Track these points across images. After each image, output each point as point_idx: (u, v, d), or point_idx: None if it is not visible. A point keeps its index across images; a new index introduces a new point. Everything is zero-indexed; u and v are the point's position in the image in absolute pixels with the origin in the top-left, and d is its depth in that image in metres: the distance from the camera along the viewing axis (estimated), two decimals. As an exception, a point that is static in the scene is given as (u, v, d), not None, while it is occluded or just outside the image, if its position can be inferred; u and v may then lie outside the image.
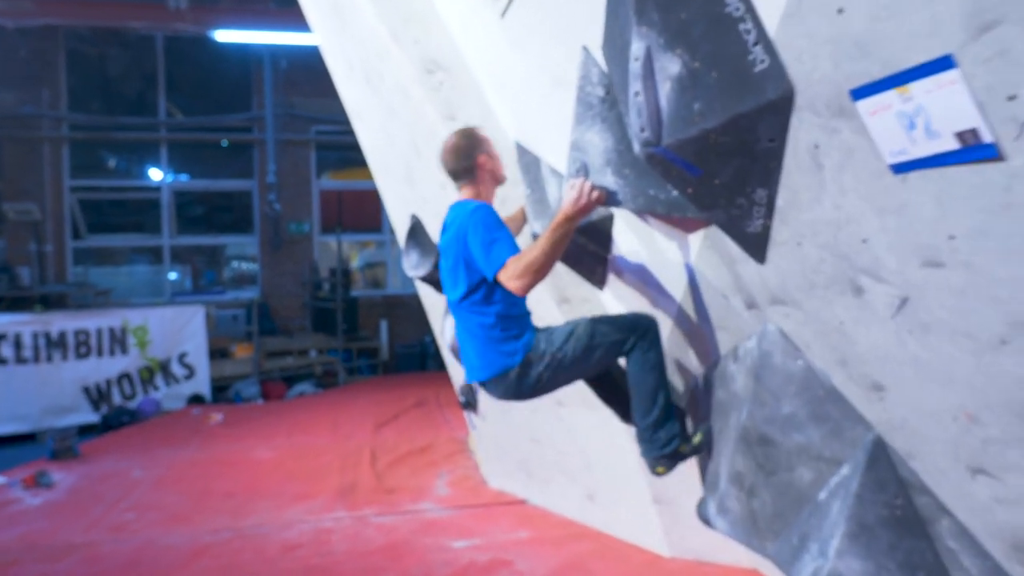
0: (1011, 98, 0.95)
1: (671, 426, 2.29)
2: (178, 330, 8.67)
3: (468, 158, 2.39)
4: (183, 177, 11.64)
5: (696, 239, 1.99)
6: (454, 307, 2.43)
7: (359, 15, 3.43)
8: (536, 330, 2.34)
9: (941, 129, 1.07)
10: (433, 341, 9.54)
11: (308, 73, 10.88)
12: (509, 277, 2.10)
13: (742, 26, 1.31)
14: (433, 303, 4.75)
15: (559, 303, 3.21)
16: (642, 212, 2.00)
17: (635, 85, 1.46)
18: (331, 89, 5.58)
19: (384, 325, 10.93)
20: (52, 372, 7.84)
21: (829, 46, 1.18)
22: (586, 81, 1.97)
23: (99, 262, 11.66)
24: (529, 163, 2.89)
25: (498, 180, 2.50)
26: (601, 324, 2.28)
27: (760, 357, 1.91)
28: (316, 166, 11.31)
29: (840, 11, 1.13)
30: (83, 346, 8.04)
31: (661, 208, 1.87)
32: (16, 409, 7.58)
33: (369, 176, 5.41)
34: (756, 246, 1.68)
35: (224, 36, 8.14)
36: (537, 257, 2.05)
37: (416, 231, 4.31)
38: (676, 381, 2.66)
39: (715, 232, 1.84)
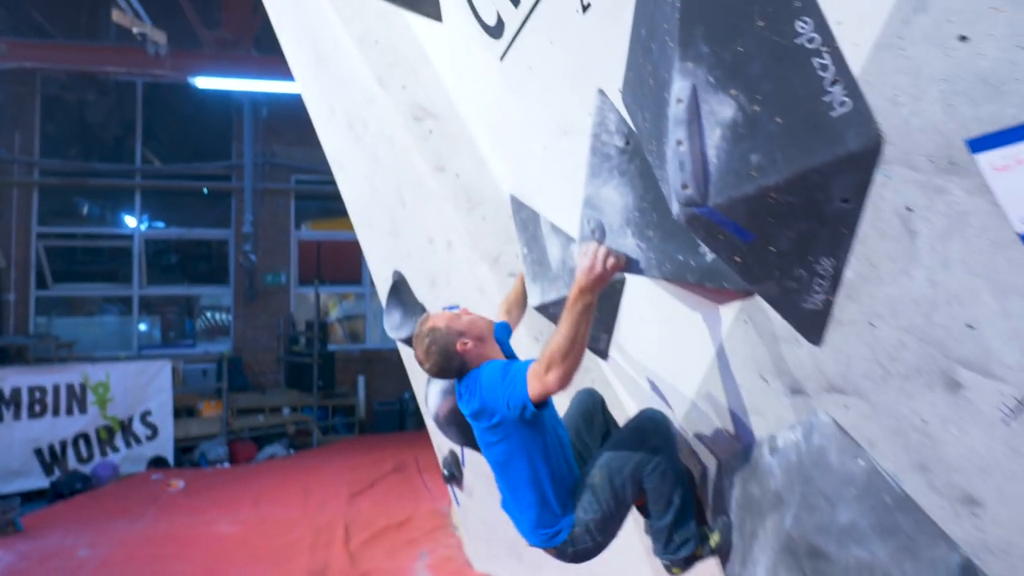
0: None
1: (687, 528, 2.05)
2: (142, 386, 8.21)
3: (451, 358, 2.05)
4: (158, 225, 11.30)
5: (729, 311, 1.71)
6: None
7: (343, 59, 3.20)
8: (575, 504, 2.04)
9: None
10: (413, 398, 9.13)
11: (289, 121, 10.69)
12: (539, 378, 1.81)
13: (817, 60, 1.06)
14: (415, 366, 4.42)
15: (557, 372, 2.90)
16: (668, 280, 1.72)
17: (677, 132, 1.20)
18: (313, 138, 5.34)
19: (362, 381, 10.51)
20: (3, 432, 7.32)
21: (942, 84, 0.92)
22: (602, 129, 1.71)
23: (66, 312, 11.18)
24: (526, 219, 2.62)
25: (485, 339, 2.10)
26: (614, 464, 2.01)
27: (809, 452, 1.61)
28: (296, 216, 11.04)
29: (963, 38, 0.87)
30: (38, 404, 7.54)
31: (692, 276, 1.59)
32: (-40, 473, 7.04)
33: (350, 226, 5.14)
34: (812, 325, 1.40)
35: (205, 83, 7.93)
36: (560, 343, 1.78)
37: (399, 288, 4.01)
38: (691, 463, 2.35)
39: (755, 305, 1.56)
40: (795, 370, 1.59)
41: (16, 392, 7.38)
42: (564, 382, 1.83)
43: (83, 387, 7.77)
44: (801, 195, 1.16)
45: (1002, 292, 1.01)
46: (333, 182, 5.17)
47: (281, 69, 7.59)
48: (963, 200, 0.99)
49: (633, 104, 1.53)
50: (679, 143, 1.21)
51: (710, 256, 1.52)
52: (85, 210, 11.51)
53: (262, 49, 7.92)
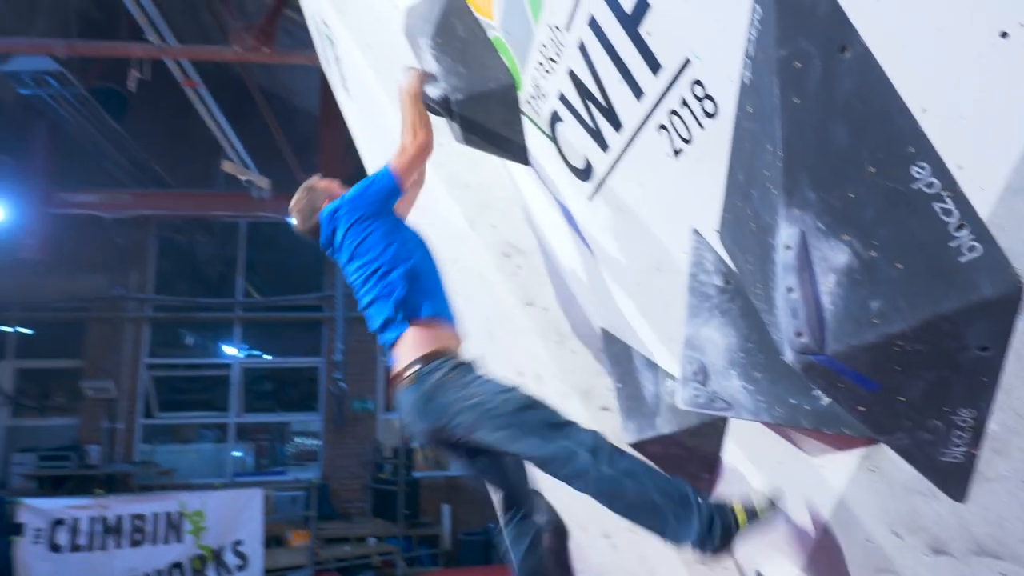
0: None
1: (691, 510, 1.78)
2: (235, 515, 8.28)
3: (312, 216, 2.44)
4: (255, 353, 11.82)
5: (853, 458, 1.57)
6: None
7: (433, 200, 3.36)
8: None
9: None
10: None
11: (379, 253, 11.23)
12: (402, 154, 2.26)
13: (938, 205, 1.01)
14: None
15: (656, 513, 2.74)
16: (781, 424, 1.61)
17: (788, 279, 1.15)
18: None
19: (447, 510, 10.29)
20: (104, 561, 7.47)
21: (1089, 230, 0.85)
22: (699, 269, 1.68)
23: (167, 440, 11.64)
24: (619, 353, 2.57)
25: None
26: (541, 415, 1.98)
27: (963, 625, 1.41)
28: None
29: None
30: (138, 532, 7.70)
31: (807, 422, 1.49)
32: (62, 603, 7.15)
33: None
34: (953, 480, 1.27)
35: (302, 222, 8.47)
36: (410, 125, 2.26)
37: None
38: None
39: (882, 452, 1.43)
40: (935, 527, 1.42)
41: (119, 520, 7.58)
42: (427, 149, 2.29)
43: (180, 515, 7.91)
44: (931, 343, 1.08)
45: None
46: None
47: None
48: None
49: (733, 246, 1.50)
50: (790, 290, 1.16)
51: (826, 399, 1.42)
52: (189, 341, 12.22)
53: (355, 188, 8.45)
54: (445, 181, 3.16)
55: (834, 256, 1.11)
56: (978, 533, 1.32)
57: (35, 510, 7.32)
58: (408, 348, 2.17)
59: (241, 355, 11.47)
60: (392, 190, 2.31)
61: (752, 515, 1.80)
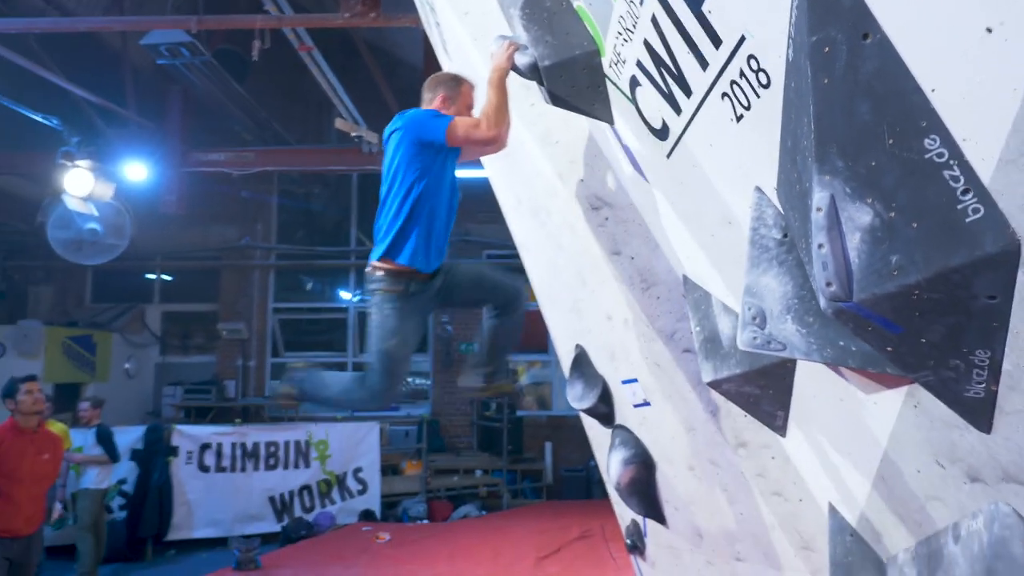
0: None
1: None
2: (355, 445, 9.10)
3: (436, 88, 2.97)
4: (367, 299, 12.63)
5: (898, 396, 1.73)
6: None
7: (526, 156, 3.58)
8: None
9: None
10: (597, 467, 9.23)
11: (480, 202, 11.57)
12: (469, 127, 2.59)
13: (947, 172, 1.15)
14: (596, 435, 4.58)
15: (735, 448, 2.94)
16: (831, 364, 1.78)
17: (819, 237, 1.32)
18: (501, 216, 5.82)
19: (548, 447, 10.78)
20: (245, 481, 8.47)
21: (1066, 196, 0.99)
22: (760, 223, 1.85)
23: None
24: (699, 299, 2.75)
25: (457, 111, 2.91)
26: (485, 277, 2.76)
27: (992, 544, 1.57)
28: (486, 287, 11.80)
29: (1078, 158, 0.95)
30: (272, 458, 8.65)
31: (854, 362, 1.65)
32: (213, 515, 8.21)
33: (535, 299, 5.51)
34: (978, 413, 1.42)
35: (408, 173, 8.90)
36: (495, 107, 2.53)
37: (580, 361, 4.23)
38: (881, 550, 2.28)
39: (922, 390, 1.59)
40: (970, 457, 1.57)
41: (256, 446, 8.54)
42: (494, 142, 2.64)
43: (308, 444, 8.79)
44: (945, 292, 1.23)
45: None
46: (519, 257, 5.62)
47: (476, 160, 8.34)
48: (1105, 301, 1.02)
49: (786, 204, 1.66)
50: (821, 246, 1.33)
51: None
52: (308, 286, 13.18)
53: (458, 140, 8.78)
54: (537, 138, 3.38)
55: (859, 217, 1.28)
56: (1004, 461, 1.46)
57: (187, 435, 8.37)
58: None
59: (356, 299, 12.26)
60: (439, 144, 2.64)
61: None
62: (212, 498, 8.17)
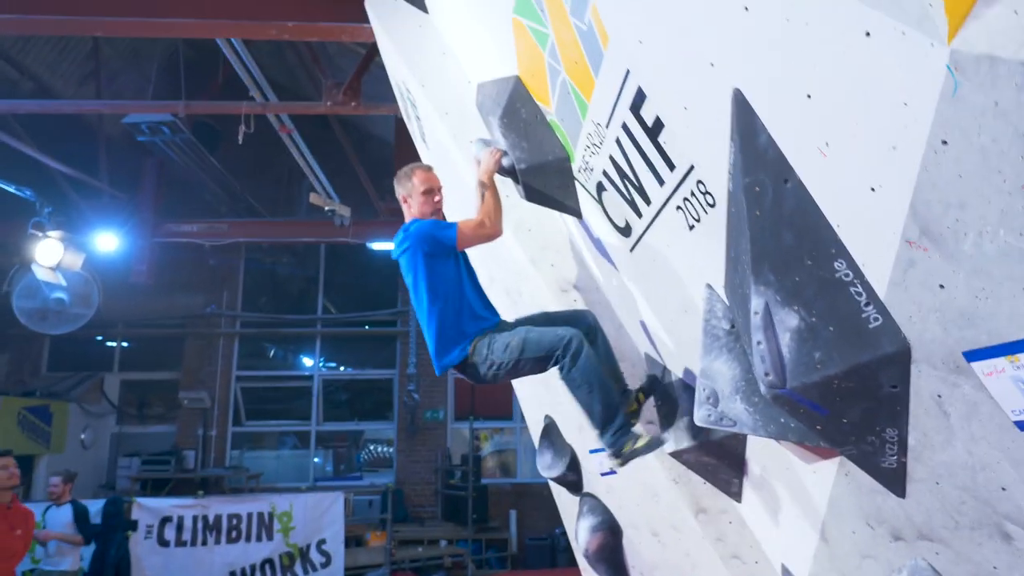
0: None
1: (615, 425, 2.65)
2: (319, 516, 9.01)
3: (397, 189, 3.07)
4: (332, 366, 12.65)
5: (833, 466, 2.01)
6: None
7: (501, 241, 3.88)
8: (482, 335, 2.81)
9: (1058, 396, 1.13)
10: (564, 534, 9.27)
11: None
12: (475, 227, 2.77)
13: (853, 289, 1.46)
14: (565, 502, 4.76)
15: (696, 513, 3.18)
16: (774, 438, 2.06)
17: (756, 335, 1.62)
18: None
19: (513, 515, 10.80)
20: (206, 555, 8.31)
21: (936, 314, 1.30)
22: (711, 315, 2.15)
23: (252, 447, 12.56)
24: (658, 375, 3.04)
25: (425, 213, 3.00)
26: (531, 339, 2.70)
27: (913, 595, 1.83)
28: (451, 355, 11.97)
29: (942, 287, 1.26)
30: (234, 530, 8.51)
31: (793, 436, 1.93)
32: (171, 592, 7.97)
33: None
34: (893, 481, 1.70)
35: (379, 246, 9.17)
36: (490, 209, 2.77)
37: (550, 431, 4.45)
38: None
39: (850, 462, 1.87)
40: (892, 519, 1.85)
41: (218, 519, 8.40)
42: (493, 236, 2.83)
43: (271, 516, 8.68)
44: (857, 382, 1.53)
45: (1017, 464, 1.31)
46: None
47: (443, 230, 8.63)
48: (972, 394, 1.32)
49: (732, 301, 1.97)
50: (759, 343, 1.62)
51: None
52: (271, 354, 13.16)
53: (427, 214, 9.12)
54: (511, 227, 3.68)
55: (788, 320, 1.58)
56: (918, 522, 1.74)
57: (147, 508, 8.22)
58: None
59: (321, 367, 12.30)
60: (450, 248, 2.84)
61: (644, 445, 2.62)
62: (171, 574, 7.98)
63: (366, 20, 4.02)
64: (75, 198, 9.09)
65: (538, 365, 2.71)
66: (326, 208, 7.82)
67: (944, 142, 1.09)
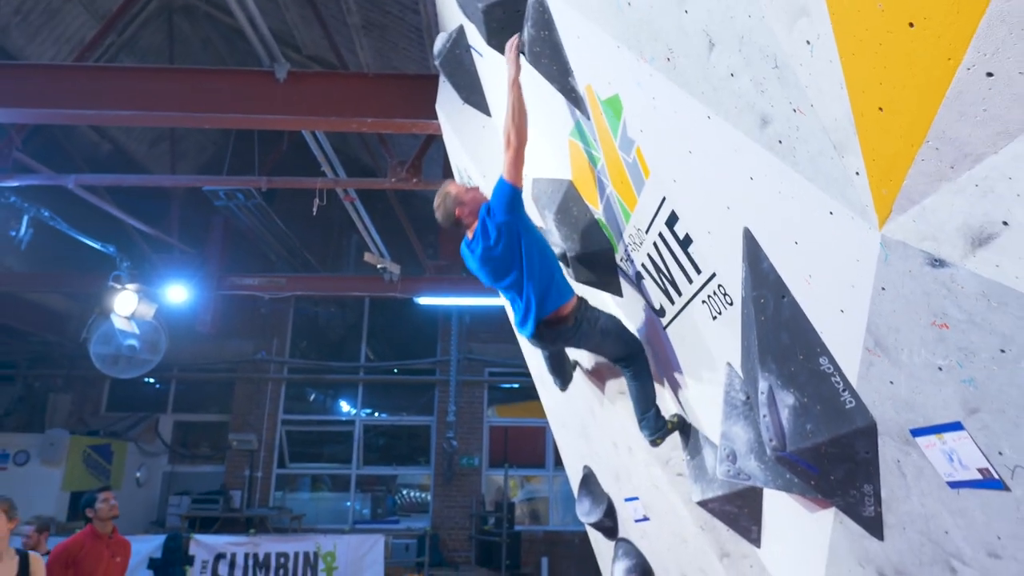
0: (1000, 453, 1.51)
1: (653, 411, 3.34)
2: (361, 557, 9.45)
3: (449, 217, 3.17)
4: (372, 412, 13.20)
5: (829, 514, 2.47)
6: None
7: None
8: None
9: (969, 464, 1.62)
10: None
11: (484, 323, 12.47)
12: (510, 158, 2.86)
13: (833, 379, 1.97)
14: (601, 547, 5.18)
15: (720, 557, 3.61)
16: (782, 491, 2.54)
17: (763, 410, 2.12)
18: (502, 336, 6.53)
19: (545, 562, 11.10)
20: (254, 592, 8.76)
21: (890, 401, 1.80)
22: (731, 388, 2.65)
23: (294, 488, 13.08)
24: (689, 433, 3.51)
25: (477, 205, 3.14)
26: (620, 324, 3.32)
27: (894, 622, 2.27)
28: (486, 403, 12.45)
29: (891, 383, 1.76)
30: (282, 568, 8.99)
31: (795, 489, 2.41)
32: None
33: (534, 412, 6.17)
34: (873, 527, 2.16)
35: (425, 301, 9.79)
36: (512, 114, 2.84)
37: (588, 480, 4.92)
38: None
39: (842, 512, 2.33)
40: (876, 559, 2.30)
41: (267, 557, 8.89)
42: (522, 140, 2.85)
43: (316, 555, 9.15)
44: (839, 449, 2.02)
45: (952, 513, 1.78)
46: (520, 373, 6.29)
47: (482, 287, 9.23)
48: (919, 460, 1.81)
49: (746, 380, 2.47)
50: (764, 416, 2.13)
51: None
52: (312, 398, 13.78)
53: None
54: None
55: (786, 399, 2.08)
56: (895, 561, 2.19)
57: (203, 544, 8.75)
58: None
59: (362, 414, 12.84)
60: (517, 192, 2.90)
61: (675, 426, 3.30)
62: (219, 610, 8.47)
63: (434, 116, 4.66)
64: (148, 252, 9.90)
65: (619, 347, 3.28)
66: (378, 266, 8.47)
67: (883, 288, 1.61)
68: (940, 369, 1.55)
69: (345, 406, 13.62)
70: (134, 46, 10.04)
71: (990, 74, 1.08)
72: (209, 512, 11.40)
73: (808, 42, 1.43)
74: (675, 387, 3.48)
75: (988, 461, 1.55)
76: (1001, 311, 1.31)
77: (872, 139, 1.40)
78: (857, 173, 1.49)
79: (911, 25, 1.16)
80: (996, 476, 1.55)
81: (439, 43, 4.07)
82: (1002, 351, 1.36)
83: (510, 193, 2.92)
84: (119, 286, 8.58)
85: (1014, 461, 1.48)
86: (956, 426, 1.59)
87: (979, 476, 1.60)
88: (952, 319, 1.44)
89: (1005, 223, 1.22)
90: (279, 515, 11.69)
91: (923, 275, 1.47)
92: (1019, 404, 1.39)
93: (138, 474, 12.02)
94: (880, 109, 1.33)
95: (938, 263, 1.40)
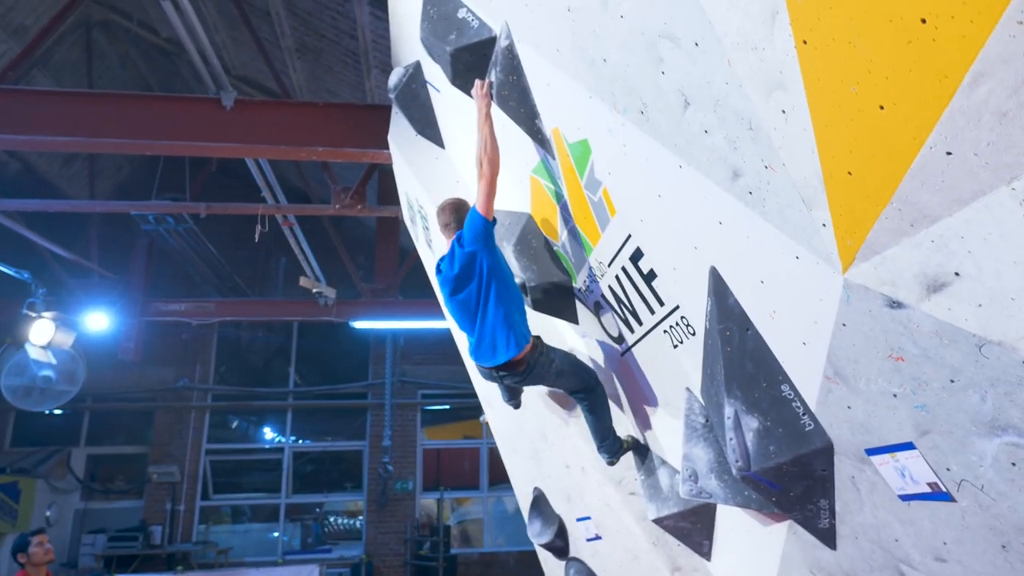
0: (948, 469, 1.73)
1: (611, 436, 3.54)
2: (294, 590, 9.20)
3: (438, 219, 3.44)
4: (302, 439, 12.90)
5: (783, 527, 2.68)
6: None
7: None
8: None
9: (919, 479, 1.84)
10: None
11: (417, 345, 12.44)
12: (482, 190, 2.96)
13: (794, 404, 2.17)
14: (551, 567, 5.29)
15: (671, 572, 3.79)
16: (740, 507, 2.73)
17: (729, 433, 2.30)
18: (435, 358, 6.55)
19: (482, 585, 11.10)
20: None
21: (847, 424, 2.01)
22: (691, 411, 2.83)
23: (217, 521, 12.59)
24: (643, 454, 3.69)
25: None
26: (575, 360, 3.44)
27: (845, 624, 2.49)
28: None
29: (849, 407, 1.97)
30: (212, 606, 8.65)
31: (754, 505, 2.60)
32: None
33: (465, 434, 6.22)
34: (827, 537, 2.37)
35: (360, 324, 9.72)
36: (483, 144, 2.94)
37: (539, 502, 5.03)
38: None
39: (796, 524, 2.54)
40: (829, 567, 2.51)
41: (197, 595, 8.53)
42: (494, 169, 2.93)
43: (247, 591, 8.85)
44: (799, 468, 2.22)
45: (902, 523, 2.00)
46: (452, 395, 6.33)
47: (418, 310, 9.26)
48: (872, 476, 2.02)
49: (708, 404, 2.66)
50: (731, 439, 2.31)
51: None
52: (235, 425, 13.35)
53: (406, 295, 9.76)
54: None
55: (751, 423, 2.27)
56: (847, 568, 2.41)
57: (125, 586, 8.32)
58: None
59: (291, 440, 12.54)
60: (488, 225, 2.99)
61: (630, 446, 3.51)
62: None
63: (384, 146, 4.73)
64: (66, 278, 9.42)
65: (575, 382, 3.40)
66: (314, 291, 8.38)
67: (844, 324, 1.81)
68: (895, 396, 1.76)
69: (270, 433, 13.27)
70: (48, 62, 9.62)
71: (949, 153, 1.28)
72: (127, 550, 10.86)
73: (783, 111, 1.62)
74: (633, 412, 3.65)
75: (937, 476, 1.77)
76: (952, 347, 1.52)
77: (840, 198, 1.59)
78: (824, 225, 1.69)
79: (881, 108, 1.36)
80: (944, 489, 1.77)
81: (395, 77, 4.16)
82: (952, 381, 1.57)
83: (480, 225, 3.00)
84: (34, 314, 8.14)
85: (960, 476, 1.69)
86: (908, 446, 1.81)
87: (929, 489, 1.82)
88: (908, 353, 1.65)
89: (957, 274, 1.42)
90: (204, 549, 11.24)
91: (882, 315, 1.67)
92: (965, 427, 1.60)
93: (48, 513, 11.31)
94: (849, 173, 1.53)
95: (896, 304, 1.61)
